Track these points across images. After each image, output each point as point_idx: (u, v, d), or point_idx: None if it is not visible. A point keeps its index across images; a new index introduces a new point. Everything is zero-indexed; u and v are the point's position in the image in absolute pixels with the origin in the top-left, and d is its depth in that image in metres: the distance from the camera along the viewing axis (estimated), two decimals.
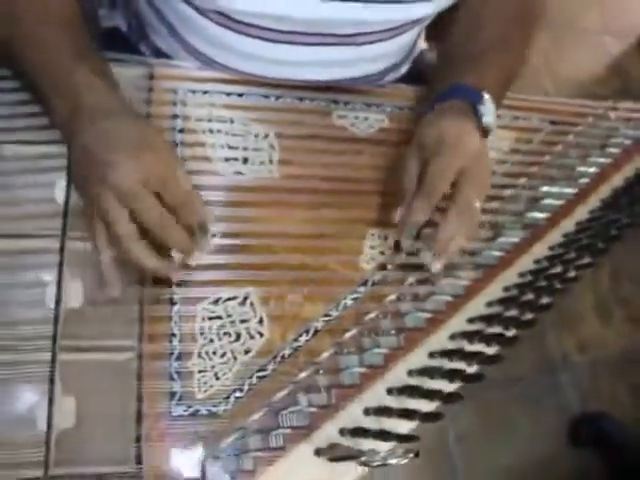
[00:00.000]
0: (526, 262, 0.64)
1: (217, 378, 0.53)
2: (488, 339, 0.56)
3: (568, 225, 0.68)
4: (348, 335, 0.56)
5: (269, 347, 0.54)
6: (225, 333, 0.54)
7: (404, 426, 0.52)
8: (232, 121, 0.63)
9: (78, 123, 0.51)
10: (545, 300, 0.60)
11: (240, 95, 0.65)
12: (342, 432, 0.52)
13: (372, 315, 0.57)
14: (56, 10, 0.55)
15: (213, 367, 0.53)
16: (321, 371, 0.54)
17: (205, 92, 0.64)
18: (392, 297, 0.59)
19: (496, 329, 0.58)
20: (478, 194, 0.56)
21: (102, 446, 0.49)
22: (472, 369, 0.55)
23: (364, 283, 0.59)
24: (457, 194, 0.55)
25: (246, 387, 0.53)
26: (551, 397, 1.28)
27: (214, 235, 0.57)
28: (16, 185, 0.57)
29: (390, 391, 0.55)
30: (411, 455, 0.45)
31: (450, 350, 0.57)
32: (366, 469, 0.51)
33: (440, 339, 0.58)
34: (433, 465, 1.14)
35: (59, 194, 0.57)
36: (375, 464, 0.46)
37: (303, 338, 0.55)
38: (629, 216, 0.68)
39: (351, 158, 0.65)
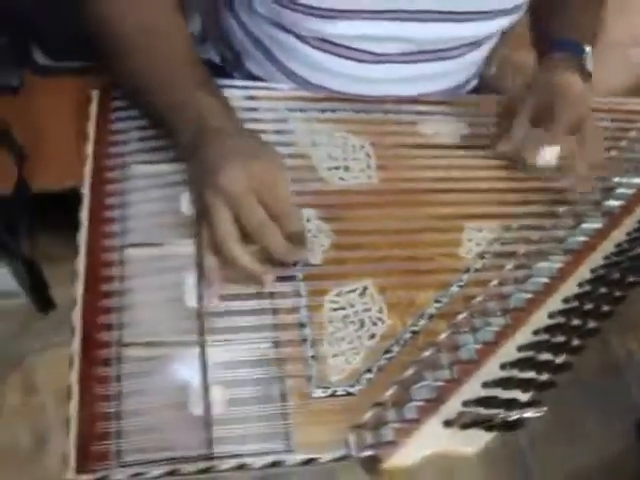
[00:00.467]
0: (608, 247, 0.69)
1: (348, 362, 0.57)
2: (584, 315, 0.61)
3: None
4: (460, 317, 0.61)
5: (391, 332, 0.59)
6: (350, 322, 0.59)
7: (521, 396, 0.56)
8: (331, 134, 0.69)
9: (201, 142, 0.57)
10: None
11: (333, 111, 0.71)
12: (466, 404, 0.56)
13: (479, 298, 0.62)
14: (182, 51, 0.62)
15: (343, 352, 0.57)
16: (441, 350, 0.58)
17: (302, 110, 0.70)
18: (495, 282, 0.63)
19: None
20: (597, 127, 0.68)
21: (252, 427, 0.53)
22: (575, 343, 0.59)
23: (466, 271, 0.64)
24: (583, 128, 0.66)
25: (375, 368, 0.57)
26: (618, 398, 1.30)
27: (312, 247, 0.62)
28: (145, 199, 0.63)
29: (503, 366, 0.59)
30: (544, 408, 0.49)
31: (552, 325, 0.61)
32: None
33: (541, 318, 0.63)
34: (507, 468, 1.16)
35: (185, 206, 0.62)
36: (512, 418, 0.50)
37: (421, 322, 0.60)
38: None
39: (438, 161, 0.71)
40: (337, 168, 0.67)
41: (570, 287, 0.65)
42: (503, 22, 0.70)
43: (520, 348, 0.60)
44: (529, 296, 0.63)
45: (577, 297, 0.63)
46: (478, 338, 0.60)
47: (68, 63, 0.94)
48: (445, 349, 0.59)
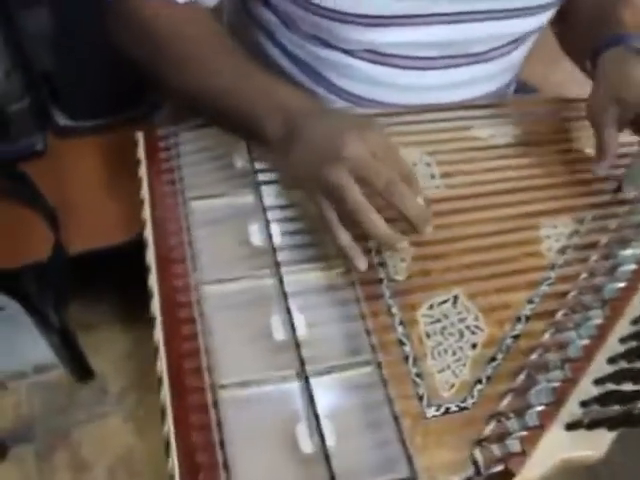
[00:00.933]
0: None
1: (456, 375, 0.54)
2: None
3: None
4: (559, 314, 0.58)
5: (491, 338, 0.56)
6: (449, 333, 0.56)
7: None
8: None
9: (297, 128, 0.55)
10: None
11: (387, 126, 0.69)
12: (584, 404, 0.53)
13: (573, 293, 0.59)
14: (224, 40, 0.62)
15: (449, 366, 0.54)
16: (549, 350, 0.55)
17: None
18: (584, 275, 0.61)
19: None
20: None
21: (371, 457, 0.50)
22: None
23: (552, 267, 0.62)
24: None
25: (484, 378, 0.54)
26: None
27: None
28: (211, 234, 0.61)
29: (612, 360, 0.56)
30: None
31: None
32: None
33: (636, 307, 0.60)
34: None
35: (255, 237, 0.60)
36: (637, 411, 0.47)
37: (518, 326, 0.57)
38: None
39: (498, 162, 0.69)
40: None
41: None
42: (542, 19, 0.70)
43: (622, 340, 0.58)
44: (622, 285, 0.60)
45: None
46: (582, 334, 0.57)
47: (89, 122, 0.92)
48: (552, 349, 0.56)
